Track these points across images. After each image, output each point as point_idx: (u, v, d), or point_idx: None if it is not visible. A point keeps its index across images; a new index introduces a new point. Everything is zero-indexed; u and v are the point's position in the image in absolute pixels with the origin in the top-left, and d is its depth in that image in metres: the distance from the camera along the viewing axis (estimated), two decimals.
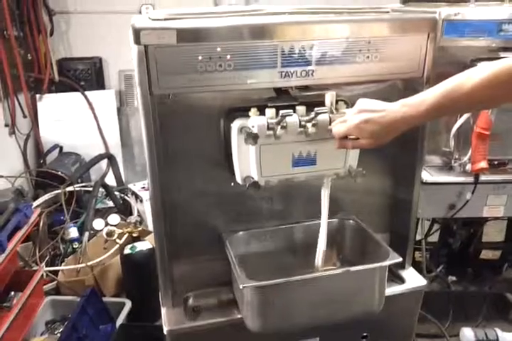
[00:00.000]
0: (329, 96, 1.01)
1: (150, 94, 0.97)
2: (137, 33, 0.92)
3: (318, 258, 1.20)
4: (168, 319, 1.17)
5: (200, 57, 0.97)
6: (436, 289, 2.12)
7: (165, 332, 1.15)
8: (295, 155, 1.05)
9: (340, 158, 1.10)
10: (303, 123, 1.00)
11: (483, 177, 1.74)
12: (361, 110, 0.95)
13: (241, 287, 1.01)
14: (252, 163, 1.05)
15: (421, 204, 1.73)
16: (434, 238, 2.09)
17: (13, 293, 1.70)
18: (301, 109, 1.02)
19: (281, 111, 0.98)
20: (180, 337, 1.16)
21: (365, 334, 1.32)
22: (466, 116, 1.69)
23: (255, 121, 0.99)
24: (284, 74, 1.02)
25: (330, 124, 1.01)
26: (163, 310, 1.20)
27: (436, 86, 0.89)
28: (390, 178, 1.34)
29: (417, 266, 1.63)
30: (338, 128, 0.98)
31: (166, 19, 0.97)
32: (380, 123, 0.92)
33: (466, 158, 1.75)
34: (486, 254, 2.13)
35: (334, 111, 1.02)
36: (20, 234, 1.61)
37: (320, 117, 1.00)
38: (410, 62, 1.10)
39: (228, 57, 0.98)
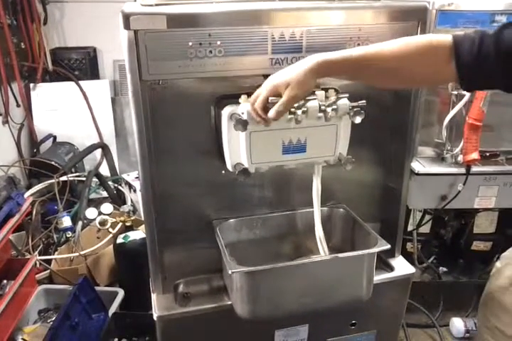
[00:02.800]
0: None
1: (140, 79, 0.98)
2: (126, 18, 0.92)
3: (322, 245, 1.21)
4: (158, 305, 1.18)
5: (190, 43, 0.97)
6: (427, 280, 2.14)
7: (155, 318, 1.16)
8: (285, 142, 1.05)
9: (330, 146, 1.10)
10: (292, 110, 1.00)
11: (474, 169, 1.75)
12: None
13: (230, 272, 1.02)
14: (242, 149, 1.05)
15: (413, 195, 1.75)
16: (426, 229, 2.10)
17: (5, 281, 1.70)
18: None
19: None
20: (170, 323, 1.17)
21: (353, 321, 1.34)
22: (458, 107, 1.69)
23: (245, 107, 0.99)
24: (274, 60, 1.03)
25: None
26: (154, 297, 1.21)
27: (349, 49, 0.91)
28: (380, 168, 1.34)
29: (408, 256, 1.65)
30: (258, 100, 0.94)
31: (156, 5, 0.97)
32: (284, 73, 0.91)
33: (458, 149, 1.76)
34: (477, 245, 2.14)
35: (324, 99, 1.02)
36: (12, 222, 1.61)
37: (309, 104, 1.00)
38: None
39: (218, 43, 0.98)
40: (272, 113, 0.92)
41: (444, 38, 0.85)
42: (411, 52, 0.86)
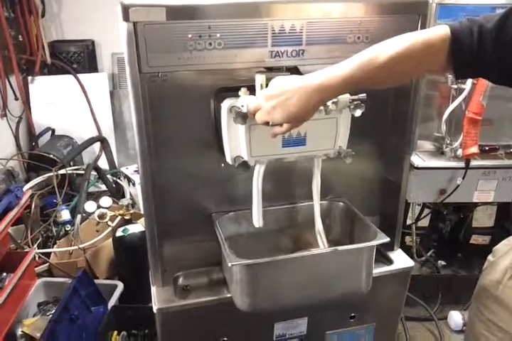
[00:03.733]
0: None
1: (139, 72, 0.97)
2: (126, 9, 0.91)
3: (322, 239, 1.22)
4: (157, 298, 1.18)
5: (189, 35, 0.96)
6: (425, 273, 2.15)
7: (154, 310, 1.16)
8: (285, 135, 1.04)
9: (330, 139, 1.09)
10: None
11: (474, 163, 1.76)
12: (268, 96, 0.90)
13: (229, 265, 1.02)
14: (241, 142, 1.04)
15: (412, 189, 1.75)
16: (425, 223, 2.11)
17: (4, 274, 1.71)
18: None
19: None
20: (169, 315, 1.17)
21: (353, 314, 1.35)
22: (458, 101, 1.69)
23: (245, 100, 0.98)
24: (274, 53, 1.02)
25: None
26: (153, 289, 1.21)
27: (352, 58, 0.86)
28: (380, 162, 1.34)
29: (407, 250, 1.65)
30: (258, 116, 0.94)
31: None
32: (287, 107, 0.87)
33: (457, 143, 1.76)
34: (476, 239, 2.14)
35: None
36: (11, 215, 1.61)
37: None
38: None
39: (218, 35, 0.97)
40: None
41: (439, 32, 0.83)
42: (412, 58, 0.83)
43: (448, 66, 0.84)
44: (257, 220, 1.14)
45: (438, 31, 0.83)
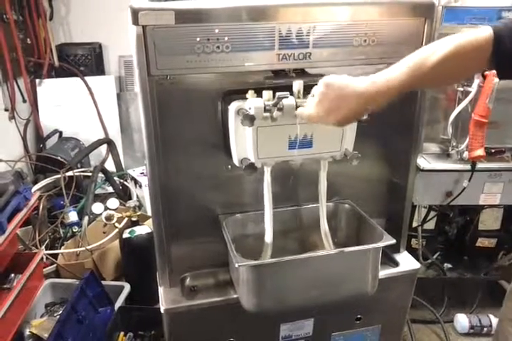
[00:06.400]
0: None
1: (148, 75, 0.98)
2: (135, 13, 0.92)
3: (328, 240, 1.23)
4: (165, 298, 1.19)
5: (198, 39, 0.97)
6: (431, 276, 2.14)
7: (162, 311, 1.17)
8: (291, 138, 1.05)
9: (336, 141, 1.10)
10: (299, 105, 1.00)
11: (480, 165, 1.76)
12: (321, 101, 0.93)
13: (236, 266, 1.03)
14: (248, 144, 1.06)
15: (418, 192, 1.75)
16: (431, 225, 2.11)
17: (13, 275, 1.72)
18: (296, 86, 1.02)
19: (277, 93, 0.99)
20: (176, 316, 1.18)
21: (359, 316, 1.35)
22: (464, 103, 1.69)
23: (252, 103, 0.99)
24: (281, 56, 1.03)
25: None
26: (161, 290, 1.22)
27: (401, 62, 0.88)
28: (386, 164, 1.35)
29: (413, 253, 1.65)
30: (310, 119, 0.97)
31: (164, 0, 0.97)
32: (340, 113, 0.91)
33: (463, 146, 1.76)
34: (482, 242, 2.14)
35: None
36: (20, 216, 1.62)
37: None
38: (407, 46, 1.10)
39: (226, 38, 0.98)
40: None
41: (484, 33, 0.84)
42: (461, 58, 0.85)
43: (488, 67, 0.86)
44: (269, 236, 1.18)
45: (483, 32, 0.84)
